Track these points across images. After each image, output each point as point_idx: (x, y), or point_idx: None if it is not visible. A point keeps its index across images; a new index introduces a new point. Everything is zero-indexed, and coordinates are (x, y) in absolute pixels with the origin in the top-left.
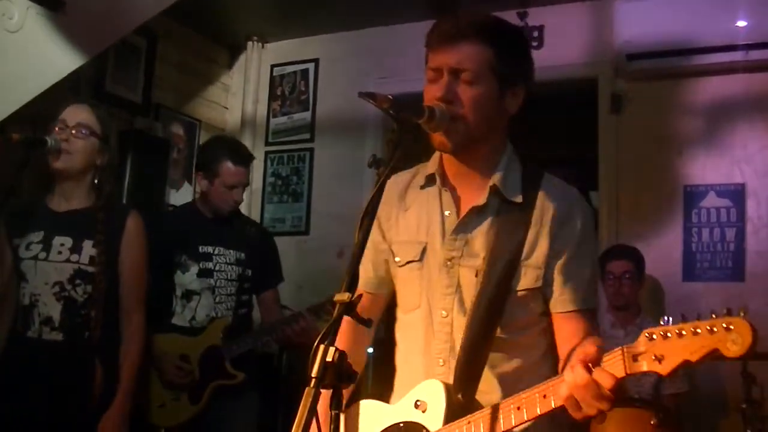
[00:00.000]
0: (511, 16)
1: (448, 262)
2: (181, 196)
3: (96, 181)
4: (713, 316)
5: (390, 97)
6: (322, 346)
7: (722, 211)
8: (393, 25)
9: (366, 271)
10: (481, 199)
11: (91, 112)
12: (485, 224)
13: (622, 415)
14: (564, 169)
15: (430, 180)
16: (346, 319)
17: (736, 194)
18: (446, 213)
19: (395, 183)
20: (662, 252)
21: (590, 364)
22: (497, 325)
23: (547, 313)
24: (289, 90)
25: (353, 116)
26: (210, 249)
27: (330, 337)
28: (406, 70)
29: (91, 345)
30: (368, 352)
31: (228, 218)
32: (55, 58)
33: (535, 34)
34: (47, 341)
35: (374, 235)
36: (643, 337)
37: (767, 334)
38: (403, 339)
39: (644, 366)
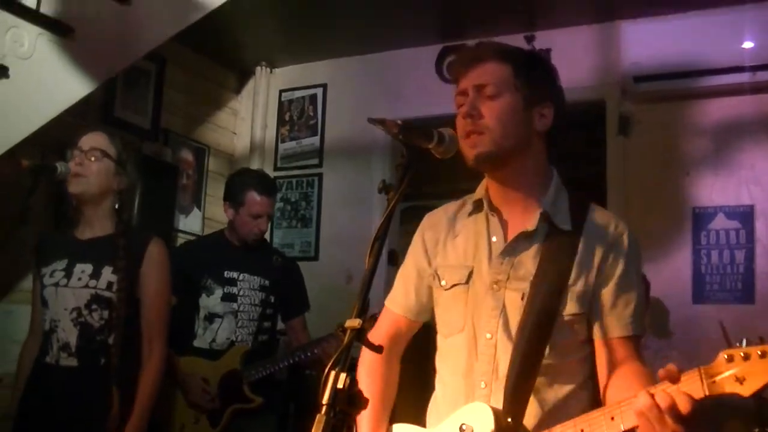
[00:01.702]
0: (518, 40)
1: (495, 285)
2: (190, 221)
3: (116, 207)
4: None
5: (399, 122)
6: (333, 373)
7: (731, 233)
8: (401, 50)
9: (407, 297)
10: (530, 225)
11: (105, 137)
12: (533, 249)
13: None
14: (572, 191)
15: (477, 206)
16: (373, 356)
17: (745, 216)
18: (493, 239)
19: (444, 211)
20: (671, 274)
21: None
22: (544, 350)
23: (590, 341)
24: (297, 115)
25: (362, 141)
26: (235, 274)
27: (341, 364)
28: (415, 95)
29: (108, 371)
30: None
31: (255, 247)
32: (65, 85)
33: None
34: (64, 367)
35: (420, 262)
36: (721, 358)
37: None
38: (443, 363)
39: (725, 387)
